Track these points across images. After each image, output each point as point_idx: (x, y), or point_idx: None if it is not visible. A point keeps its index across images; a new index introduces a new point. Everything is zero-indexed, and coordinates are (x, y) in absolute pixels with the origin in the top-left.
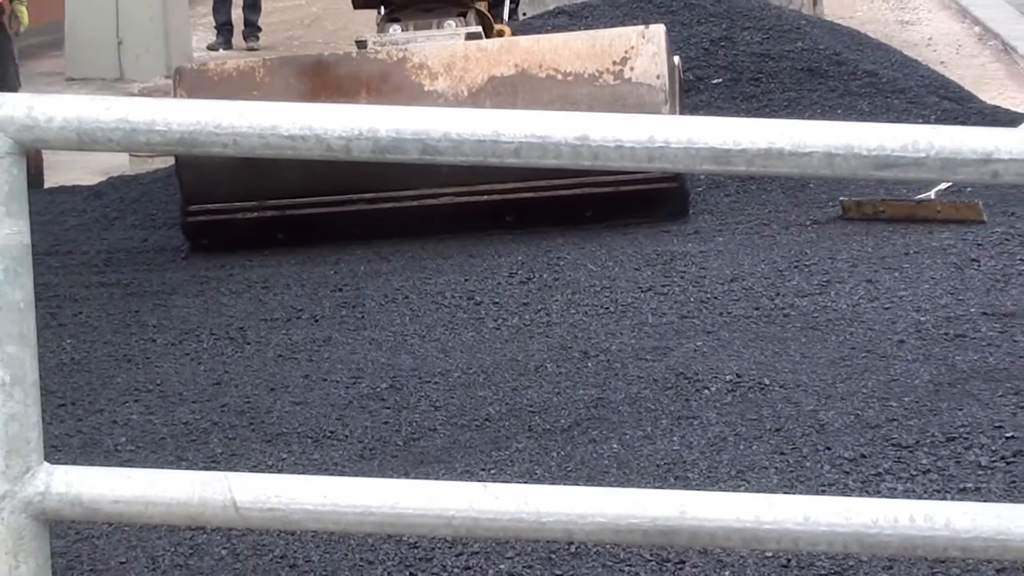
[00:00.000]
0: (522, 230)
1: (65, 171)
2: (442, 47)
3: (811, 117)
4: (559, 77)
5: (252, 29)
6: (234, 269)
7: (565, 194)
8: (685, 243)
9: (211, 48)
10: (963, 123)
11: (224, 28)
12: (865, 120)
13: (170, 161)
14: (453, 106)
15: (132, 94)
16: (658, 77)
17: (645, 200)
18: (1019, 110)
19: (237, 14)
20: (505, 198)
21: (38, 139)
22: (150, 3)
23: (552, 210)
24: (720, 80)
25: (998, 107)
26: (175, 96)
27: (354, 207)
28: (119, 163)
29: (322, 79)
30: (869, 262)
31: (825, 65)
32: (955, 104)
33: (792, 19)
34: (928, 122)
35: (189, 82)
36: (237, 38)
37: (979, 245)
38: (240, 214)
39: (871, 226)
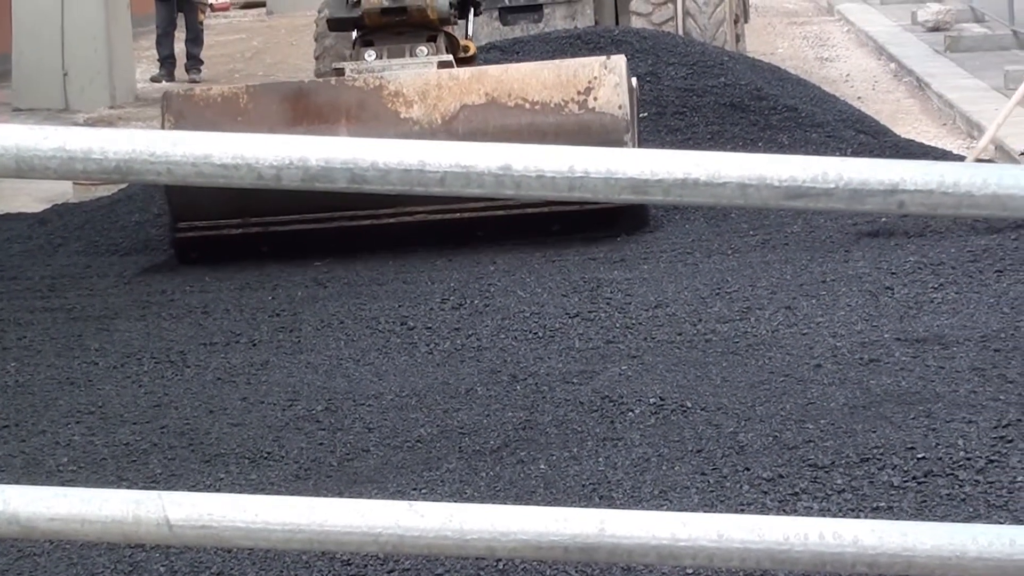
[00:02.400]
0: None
1: (10, 198)
2: (416, 75)
3: (733, 149)
4: (527, 106)
5: (194, 62)
6: (175, 295)
7: (533, 212)
8: (611, 270)
9: (154, 80)
10: (878, 156)
11: (167, 61)
12: (785, 152)
13: (114, 189)
14: (428, 134)
15: (77, 124)
16: (620, 108)
17: (607, 214)
18: (932, 144)
19: (180, 48)
20: (477, 215)
21: None
22: (95, 36)
23: (520, 225)
24: (646, 114)
25: (912, 140)
26: (163, 122)
27: (334, 224)
28: (63, 191)
29: (303, 105)
30: (788, 289)
31: (747, 100)
32: (871, 138)
33: (715, 55)
34: (845, 154)
35: (176, 108)
36: (180, 71)
37: (893, 273)
38: (226, 230)
39: (790, 254)
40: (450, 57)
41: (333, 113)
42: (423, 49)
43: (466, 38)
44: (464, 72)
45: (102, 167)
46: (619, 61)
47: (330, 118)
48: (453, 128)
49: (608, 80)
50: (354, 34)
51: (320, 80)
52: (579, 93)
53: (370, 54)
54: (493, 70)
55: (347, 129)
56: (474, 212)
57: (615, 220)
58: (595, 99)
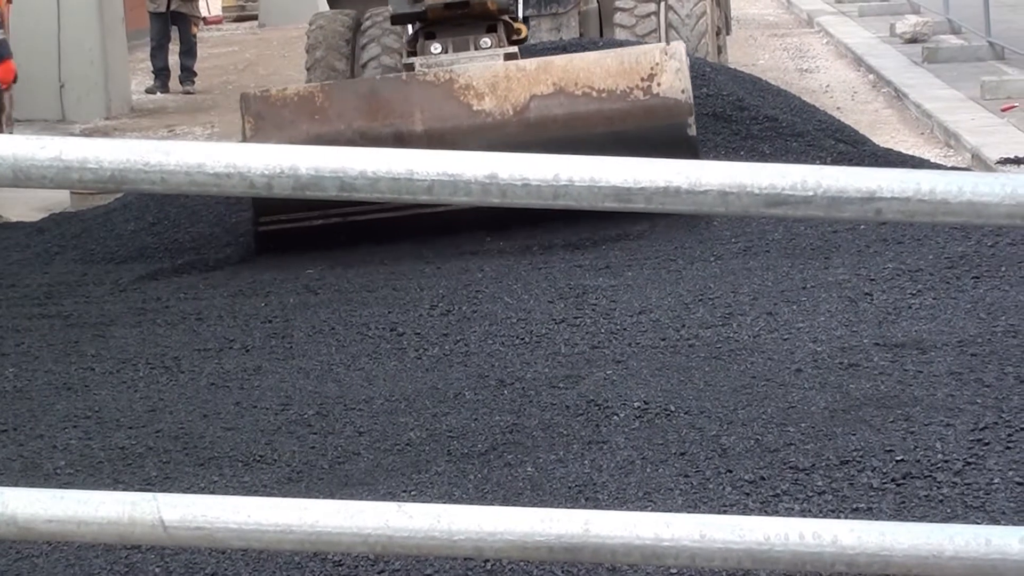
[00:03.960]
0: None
1: (8, 208)
2: (485, 67)
3: (715, 158)
4: (593, 94)
5: (188, 74)
6: (170, 302)
7: None
8: (596, 277)
9: (149, 92)
10: (857, 165)
11: (162, 73)
12: (767, 161)
13: (110, 198)
14: (500, 125)
15: (73, 134)
16: (683, 92)
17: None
18: (910, 153)
19: (174, 60)
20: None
21: None
22: (90, 49)
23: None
24: None
25: (890, 150)
26: (243, 124)
27: (409, 211)
28: (60, 200)
29: (377, 101)
30: (769, 295)
31: (729, 110)
32: (850, 147)
33: (698, 66)
34: (824, 163)
35: (255, 110)
36: (174, 82)
37: (872, 280)
38: (307, 222)
39: (771, 261)
40: (515, 49)
41: (407, 108)
42: (487, 40)
43: (518, 21)
44: (531, 63)
45: (98, 176)
46: (679, 47)
47: (404, 113)
48: (524, 118)
49: (670, 66)
50: (409, 28)
51: (392, 76)
52: (642, 80)
53: (436, 47)
54: (558, 60)
55: (422, 123)
56: None
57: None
58: (659, 84)
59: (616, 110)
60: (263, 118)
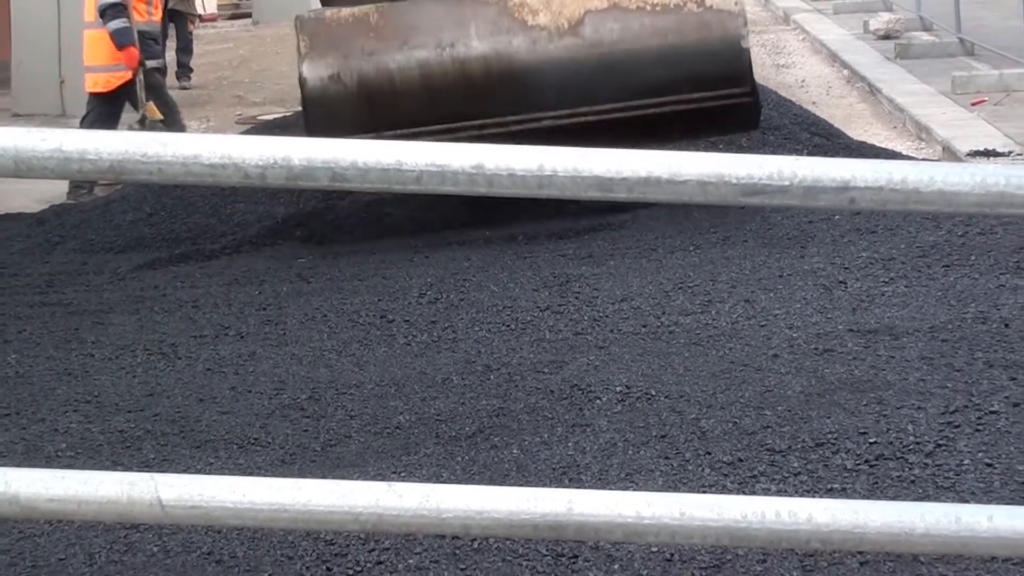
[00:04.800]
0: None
1: (9, 199)
2: None
3: (694, 151)
4: (648, 8)
5: (184, 70)
6: (167, 290)
7: (654, 112)
8: (580, 266)
9: None
10: (832, 157)
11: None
12: (744, 154)
13: (109, 190)
14: (555, 38)
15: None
16: (736, 3)
17: (723, 113)
18: (883, 145)
19: (170, 56)
20: (601, 119)
21: None
22: None
23: (643, 128)
24: None
25: (864, 143)
26: (297, 43)
27: (465, 134)
28: (60, 192)
29: (432, 20)
30: (747, 283)
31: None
32: (825, 140)
33: None
34: (801, 155)
35: (309, 29)
36: (170, 78)
37: (846, 268)
38: None
39: (748, 250)
40: None
41: (462, 25)
42: None
43: None
44: None
45: (97, 167)
46: None
47: (459, 30)
48: (579, 32)
49: None
50: None
51: None
52: None
53: None
54: None
55: (477, 39)
56: (599, 115)
57: (728, 118)
58: None
59: (670, 24)
60: (318, 36)
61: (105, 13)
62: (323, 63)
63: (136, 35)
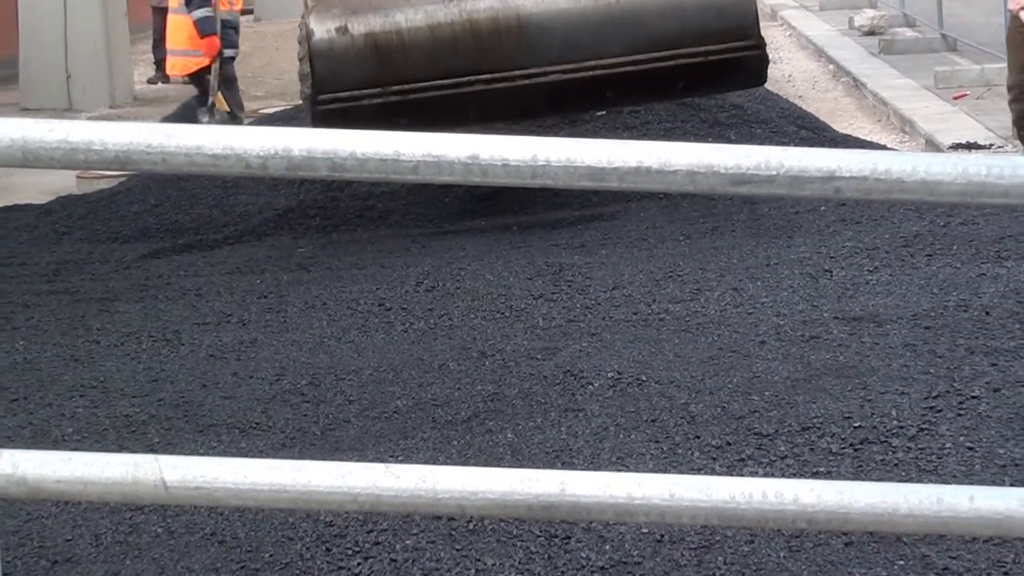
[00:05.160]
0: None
1: (18, 191)
2: None
3: (684, 141)
4: None
5: None
6: (171, 278)
7: (661, 66)
8: (572, 255)
9: (151, 82)
10: None
11: (163, 64)
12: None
13: (113, 182)
14: None
15: None
16: None
17: (730, 67)
18: (867, 138)
19: None
20: (607, 72)
21: None
22: (95, 41)
23: (649, 82)
24: (603, 112)
25: (849, 136)
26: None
27: (471, 88)
28: (67, 184)
29: None
30: (735, 272)
31: (697, 99)
32: (811, 133)
33: None
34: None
35: None
36: None
37: (832, 257)
38: (366, 100)
39: (736, 240)
40: None
41: None
42: None
43: None
44: None
45: (102, 157)
46: None
47: None
48: None
49: None
50: None
51: None
52: None
53: None
54: None
55: None
56: (604, 70)
57: (735, 72)
58: None
59: None
60: None
61: (192, 1)
62: (330, 15)
63: (219, 24)
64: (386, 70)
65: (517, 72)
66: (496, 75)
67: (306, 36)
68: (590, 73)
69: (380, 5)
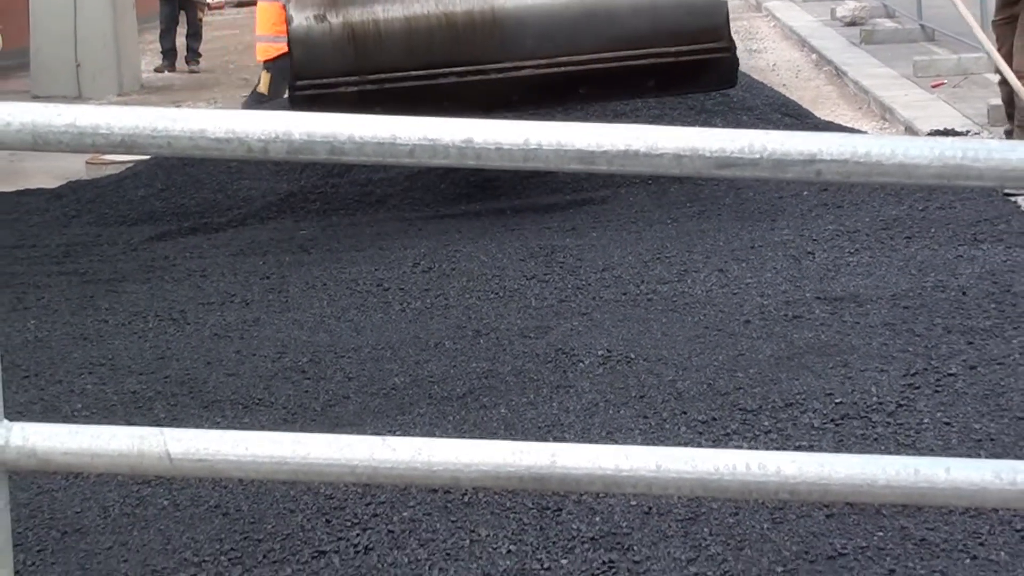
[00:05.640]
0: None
1: (30, 176)
2: None
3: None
4: None
5: (193, 54)
6: (176, 260)
7: (632, 64)
8: (564, 238)
9: (158, 71)
10: None
11: (169, 53)
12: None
13: (121, 167)
14: None
15: None
16: None
17: (700, 68)
18: (849, 125)
19: (180, 41)
20: (580, 68)
21: None
22: (104, 32)
23: (620, 80)
24: (579, 108)
25: (831, 122)
26: None
27: (446, 80)
28: (77, 169)
29: None
30: (721, 254)
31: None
32: (795, 120)
33: None
34: None
35: None
36: (180, 62)
37: (814, 240)
38: (343, 88)
39: (722, 223)
40: None
41: None
42: None
43: None
44: None
45: (109, 141)
46: None
47: None
48: None
49: None
50: None
51: None
52: None
53: None
54: None
55: None
56: (577, 66)
57: (705, 73)
58: None
59: None
60: None
61: None
62: (309, 3)
63: None
64: (363, 58)
65: (491, 65)
66: (471, 68)
67: (286, 22)
68: (563, 68)
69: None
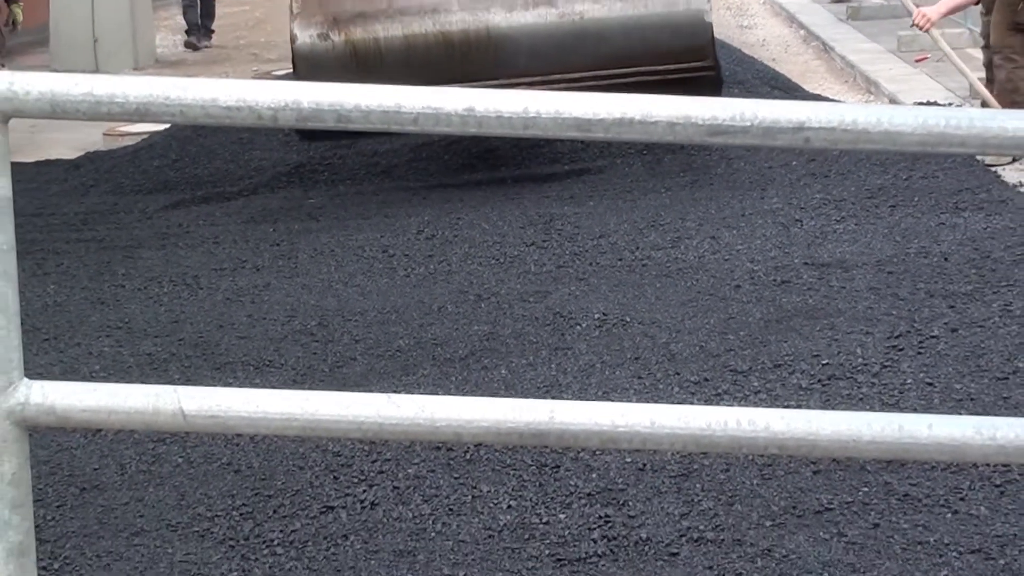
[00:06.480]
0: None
1: (49, 147)
2: None
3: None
4: None
5: (206, 31)
6: (190, 227)
7: (621, 82)
8: (562, 206)
9: (188, 46)
10: None
11: (195, 28)
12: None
13: (137, 139)
14: (530, 7)
15: None
16: None
17: (685, 85)
18: (836, 98)
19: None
20: (571, 85)
21: (17, 109)
22: (121, 9)
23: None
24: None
25: (819, 95)
26: (290, 3)
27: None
28: (94, 141)
29: None
30: (712, 222)
31: None
32: (784, 93)
33: None
34: None
35: None
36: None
37: (802, 208)
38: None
39: (714, 192)
40: None
41: None
42: None
43: None
44: None
45: (124, 109)
46: None
47: None
48: (553, 1)
49: None
50: None
51: None
52: None
53: None
54: None
55: (458, 5)
56: (569, 83)
57: (691, 90)
58: None
59: None
60: None
61: None
62: (313, 22)
63: None
64: (364, 74)
65: (486, 83)
66: (465, 84)
67: (290, 40)
68: (555, 86)
69: (360, 12)
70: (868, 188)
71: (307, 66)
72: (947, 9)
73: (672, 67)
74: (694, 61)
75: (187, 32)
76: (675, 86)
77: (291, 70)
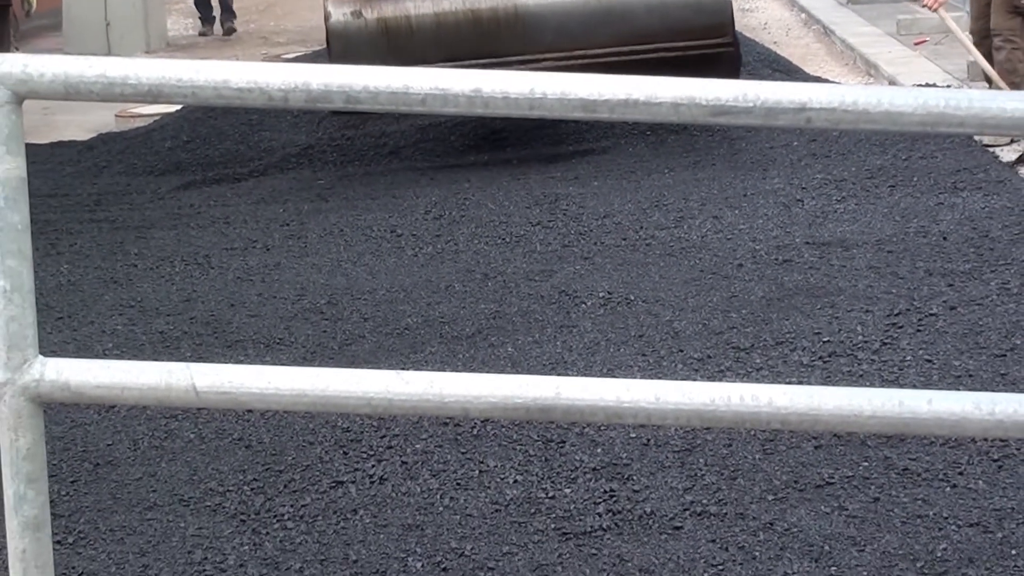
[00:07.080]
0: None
1: (62, 129)
2: None
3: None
4: None
5: (228, 14)
6: (201, 208)
7: (644, 58)
8: (567, 186)
9: (202, 34)
10: None
11: (209, 16)
12: None
13: (149, 120)
14: None
15: None
16: None
17: (706, 61)
18: (836, 80)
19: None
20: (595, 61)
21: (32, 91)
22: None
23: (632, 72)
24: None
25: (820, 78)
26: None
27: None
28: (107, 122)
29: None
30: (715, 202)
31: None
32: (785, 75)
33: None
34: None
35: None
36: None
37: (803, 188)
38: None
39: (717, 172)
40: None
41: None
42: None
43: None
44: None
45: (137, 91)
46: None
47: None
48: None
49: None
50: None
51: None
52: None
53: None
54: None
55: None
56: (593, 59)
57: (711, 66)
58: None
59: None
60: None
61: None
62: (347, 0)
63: None
64: (395, 50)
65: (513, 58)
66: (494, 59)
67: (324, 18)
68: (580, 61)
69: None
70: (868, 168)
71: (341, 43)
72: None
73: (694, 43)
74: (715, 38)
75: (202, 22)
76: (696, 64)
77: (300, 53)
